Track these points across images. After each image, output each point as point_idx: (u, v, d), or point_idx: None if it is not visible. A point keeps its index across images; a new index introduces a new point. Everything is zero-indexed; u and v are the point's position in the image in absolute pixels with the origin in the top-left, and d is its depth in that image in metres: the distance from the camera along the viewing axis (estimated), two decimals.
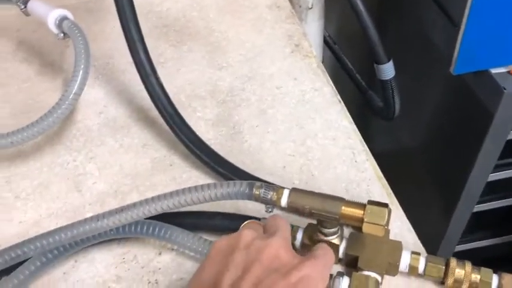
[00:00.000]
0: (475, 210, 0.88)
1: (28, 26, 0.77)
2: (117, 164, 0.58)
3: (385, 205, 0.42)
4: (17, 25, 0.78)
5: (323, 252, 0.39)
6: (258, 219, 0.47)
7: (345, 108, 0.61)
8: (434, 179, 0.94)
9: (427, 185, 0.97)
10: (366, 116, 1.03)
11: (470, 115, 0.76)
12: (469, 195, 0.84)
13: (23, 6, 0.62)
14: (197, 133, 0.56)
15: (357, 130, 0.59)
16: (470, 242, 0.98)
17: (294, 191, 0.44)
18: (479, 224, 0.93)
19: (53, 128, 0.58)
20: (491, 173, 0.81)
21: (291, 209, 0.44)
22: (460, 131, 0.81)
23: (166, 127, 0.57)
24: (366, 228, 0.41)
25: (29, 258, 0.47)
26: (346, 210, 0.42)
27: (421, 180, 0.98)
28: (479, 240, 0.99)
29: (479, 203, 0.87)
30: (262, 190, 0.44)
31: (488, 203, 0.89)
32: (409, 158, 1.03)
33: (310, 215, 0.43)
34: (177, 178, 0.56)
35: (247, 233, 0.37)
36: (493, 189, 0.86)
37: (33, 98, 0.66)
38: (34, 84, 0.69)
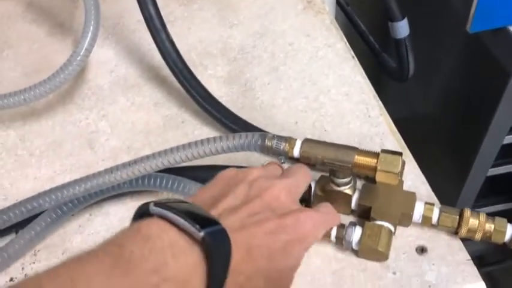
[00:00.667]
0: (489, 174, 0.87)
1: None
2: (129, 121, 0.58)
3: (399, 153, 0.41)
4: None
5: (325, 210, 0.39)
6: None
7: (358, 63, 0.60)
8: (447, 142, 0.93)
9: (440, 148, 0.96)
10: (379, 80, 1.02)
11: (486, 75, 0.75)
12: (484, 158, 0.82)
13: None
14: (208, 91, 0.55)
15: (370, 85, 0.58)
16: (484, 207, 0.97)
17: (306, 141, 0.44)
18: (494, 188, 0.92)
19: (65, 85, 0.58)
20: (507, 135, 0.79)
21: (304, 159, 0.43)
22: (475, 91, 0.79)
23: (177, 85, 0.56)
24: (379, 176, 0.41)
25: (44, 211, 0.48)
26: (359, 159, 0.41)
27: (434, 143, 0.97)
28: (493, 205, 0.98)
29: (493, 166, 0.86)
30: (275, 141, 0.44)
31: (503, 167, 0.88)
32: (422, 120, 1.01)
33: (322, 164, 0.43)
34: (189, 134, 0.56)
35: (256, 171, 0.38)
36: (508, 153, 0.84)
37: (44, 58, 0.66)
38: (44, 45, 0.68)
